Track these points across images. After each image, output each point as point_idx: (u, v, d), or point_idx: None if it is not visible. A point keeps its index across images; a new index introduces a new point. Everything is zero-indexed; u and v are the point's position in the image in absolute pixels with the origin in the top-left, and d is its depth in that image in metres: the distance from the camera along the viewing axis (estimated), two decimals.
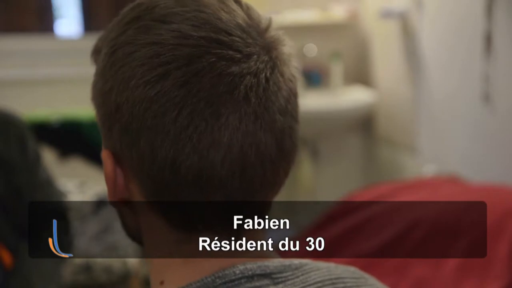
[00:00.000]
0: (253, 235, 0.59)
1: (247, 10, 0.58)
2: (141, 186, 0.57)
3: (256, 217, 0.59)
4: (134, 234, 0.63)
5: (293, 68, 0.59)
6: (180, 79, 0.53)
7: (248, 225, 0.58)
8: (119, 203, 0.60)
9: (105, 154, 0.58)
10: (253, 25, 0.57)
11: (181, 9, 0.56)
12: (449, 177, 2.24)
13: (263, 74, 0.55)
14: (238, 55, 0.54)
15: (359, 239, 1.90)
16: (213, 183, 0.54)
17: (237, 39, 0.55)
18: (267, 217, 0.61)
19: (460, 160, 2.45)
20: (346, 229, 1.96)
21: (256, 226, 0.59)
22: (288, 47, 0.59)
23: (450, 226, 1.80)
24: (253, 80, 0.54)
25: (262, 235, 0.61)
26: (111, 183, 0.59)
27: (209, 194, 0.55)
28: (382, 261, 1.80)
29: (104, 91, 0.58)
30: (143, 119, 0.54)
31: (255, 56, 0.55)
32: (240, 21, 0.56)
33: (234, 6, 0.58)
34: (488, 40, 2.16)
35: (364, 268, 1.87)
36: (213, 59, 0.54)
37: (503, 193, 1.93)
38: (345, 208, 2.09)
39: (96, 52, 0.61)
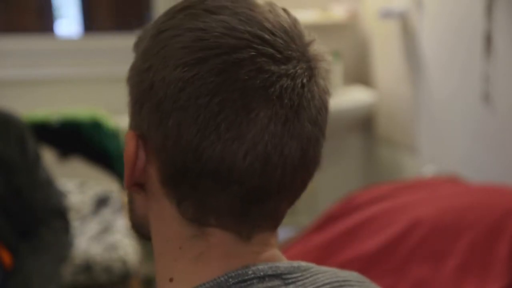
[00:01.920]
0: (266, 238, 0.60)
1: (293, 20, 0.60)
2: (161, 169, 0.57)
3: (269, 222, 0.59)
4: (141, 226, 0.63)
5: (329, 84, 0.59)
6: (218, 66, 0.54)
7: (260, 228, 0.58)
8: (134, 188, 0.60)
9: (129, 135, 0.59)
10: (297, 34, 0.58)
11: (232, 4, 0.57)
12: (449, 177, 2.24)
13: (300, 80, 0.55)
14: (279, 56, 0.55)
15: (359, 239, 1.90)
16: (232, 176, 0.54)
17: (280, 40, 0.56)
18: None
19: (460, 160, 2.45)
20: (346, 229, 1.96)
21: (268, 231, 0.60)
22: (327, 64, 0.60)
23: (450, 226, 1.80)
24: (290, 83, 0.55)
25: (274, 239, 0.61)
26: (131, 164, 0.58)
27: (227, 186, 0.55)
28: (382, 261, 1.80)
29: (142, 69, 0.58)
30: (175, 99, 0.54)
31: (294, 61, 0.56)
32: (286, 26, 0.57)
33: (282, 13, 0.59)
34: (488, 40, 2.16)
35: (364, 268, 1.87)
36: (254, 53, 0.54)
37: (503, 193, 1.93)
38: (345, 208, 2.09)
39: (138, 41, 0.61)
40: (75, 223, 2.30)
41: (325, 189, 3.18)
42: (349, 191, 2.39)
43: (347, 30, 3.23)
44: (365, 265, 1.78)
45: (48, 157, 2.28)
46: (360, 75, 3.26)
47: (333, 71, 2.97)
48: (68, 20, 3.38)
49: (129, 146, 0.58)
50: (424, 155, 2.73)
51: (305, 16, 3.06)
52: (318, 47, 0.59)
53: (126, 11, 3.34)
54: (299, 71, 0.56)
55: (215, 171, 0.54)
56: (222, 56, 0.54)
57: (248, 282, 0.56)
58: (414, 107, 2.78)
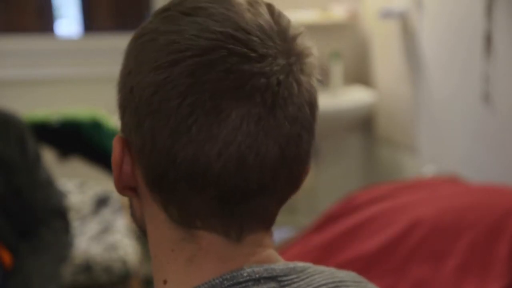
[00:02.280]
0: (259, 239, 0.59)
1: (277, 16, 0.58)
2: (144, 173, 0.57)
3: (258, 223, 0.58)
4: (141, 226, 0.63)
5: (314, 79, 0.58)
6: (189, 67, 0.53)
7: (251, 229, 0.58)
8: (127, 192, 0.60)
9: (116, 139, 0.59)
10: (278, 30, 0.57)
11: (208, 5, 0.56)
12: (449, 177, 2.24)
13: (275, 77, 0.54)
14: (253, 54, 0.54)
15: (359, 239, 1.90)
16: (207, 178, 0.54)
17: (255, 38, 0.55)
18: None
19: (460, 160, 2.45)
20: (346, 229, 1.96)
21: (260, 232, 0.59)
22: (313, 59, 0.59)
23: (450, 226, 1.80)
24: (263, 81, 0.54)
25: (268, 239, 0.60)
26: (117, 168, 0.59)
27: (203, 188, 0.54)
28: (382, 261, 1.80)
29: (124, 74, 0.59)
30: (149, 103, 0.54)
31: (270, 58, 0.55)
32: (263, 23, 0.56)
33: (263, 10, 0.58)
34: (488, 40, 2.16)
35: (364, 268, 1.87)
36: (225, 53, 0.53)
37: (503, 193, 1.93)
38: (345, 208, 2.09)
39: (127, 45, 0.61)
40: (75, 223, 2.30)
41: (325, 189, 3.18)
42: (349, 191, 2.39)
43: (347, 30, 3.23)
44: (365, 265, 1.78)
45: (48, 157, 2.27)
46: (360, 75, 3.26)
47: (333, 71, 2.96)
48: (68, 20, 3.38)
49: (115, 150, 0.59)
50: (424, 155, 2.73)
51: (305, 16, 3.06)
52: (304, 41, 0.58)
53: (126, 11, 3.34)
54: (274, 68, 0.54)
55: (189, 173, 0.54)
56: (193, 58, 0.53)
57: (243, 285, 0.56)
58: (414, 107, 2.78)
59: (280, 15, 0.59)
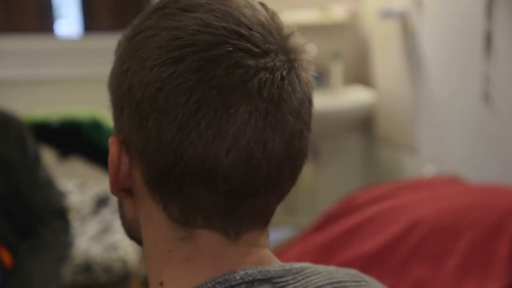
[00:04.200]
0: (254, 238, 0.59)
1: (271, 14, 0.58)
2: (144, 172, 0.56)
3: (257, 220, 0.58)
4: (133, 231, 0.63)
5: (310, 75, 0.59)
6: (195, 63, 0.53)
7: (249, 227, 0.57)
8: (121, 193, 0.60)
9: (111, 141, 0.58)
10: (275, 27, 0.57)
11: (206, 1, 0.56)
12: (449, 177, 2.24)
13: (279, 72, 0.55)
14: (256, 50, 0.54)
15: (359, 239, 1.90)
16: (215, 174, 0.53)
17: (257, 34, 0.55)
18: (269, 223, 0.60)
19: (460, 160, 2.45)
20: (346, 229, 1.96)
21: (257, 230, 0.59)
22: (308, 56, 0.59)
23: (450, 226, 1.80)
24: (268, 76, 0.54)
25: (264, 238, 0.60)
26: (114, 169, 0.58)
27: (211, 185, 0.54)
28: (382, 261, 1.80)
29: (120, 73, 0.58)
30: (154, 100, 0.54)
31: (273, 54, 0.55)
32: (263, 19, 0.57)
33: (259, 7, 0.58)
34: (488, 40, 2.16)
35: (364, 268, 1.87)
36: (231, 49, 0.53)
37: (503, 193, 1.93)
38: (345, 208, 2.09)
39: (117, 46, 0.61)
40: (75, 223, 2.30)
41: (325, 189, 3.18)
42: (349, 191, 2.39)
43: (347, 30, 3.23)
44: (365, 265, 1.78)
45: (48, 157, 2.28)
46: (360, 75, 3.26)
47: (333, 71, 2.96)
48: (68, 20, 3.38)
49: (112, 152, 0.58)
50: (424, 155, 2.73)
51: (305, 16, 3.06)
52: (298, 39, 0.58)
53: (126, 11, 3.34)
54: (278, 64, 0.55)
55: (198, 170, 0.53)
56: (198, 53, 0.53)
57: None
58: (414, 107, 2.78)
59: (273, 12, 0.59)
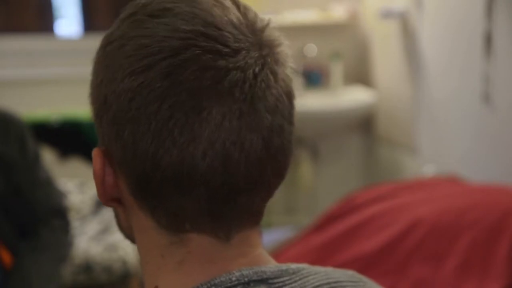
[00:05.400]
0: (247, 238, 0.58)
1: (243, 9, 0.58)
2: (127, 182, 0.57)
3: (247, 220, 0.58)
4: (130, 235, 0.63)
5: (288, 68, 0.58)
6: (164, 70, 0.52)
7: (239, 227, 0.57)
8: (112, 203, 0.60)
9: (95, 152, 0.58)
10: (246, 23, 0.56)
11: (174, 5, 0.56)
12: (449, 177, 2.24)
13: (251, 70, 0.54)
14: (226, 49, 0.53)
15: (359, 239, 1.90)
16: (194, 179, 0.53)
17: (226, 33, 0.54)
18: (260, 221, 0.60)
19: (460, 160, 2.45)
20: (346, 229, 1.96)
21: (248, 230, 0.58)
22: (284, 48, 0.58)
23: (450, 226, 1.80)
24: (240, 75, 0.53)
25: (257, 238, 0.59)
26: (99, 181, 0.58)
27: (191, 190, 0.54)
28: (382, 261, 1.80)
29: (96, 84, 0.58)
30: (127, 110, 0.54)
31: (244, 52, 0.54)
32: (232, 18, 0.56)
33: (229, 4, 0.57)
34: (488, 40, 2.16)
35: (364, 268, 1.86)
36: (199, 52, 0.53)
37: (503, 193, 1.93)
38: (345, 208, 2.09)
39: (95, 55, 0.61)
40: (75, 223, 2.30)
41: (325, 189, 3.18)
42: (349, 191, 2.39)
43: (347, 30, 3.23)
44: (365, 265, 1.78)
45: (48, 157, 2.28)
46: (360, 75, 3.27)
47: (333, 71, 2.96)
48: (68, 20, 3.38)
49: (95, 163, 0.58)
50: (424, 155, 2.73)
51: (305, 16, 3.07)
52: (272, 32, 0.57)
53: None
54: (249, 61, 0.54)
55: (176, 176, 0.53)
56: (166, 59, 0.53)
57: None
58: (414, 107, 2.78)
59: (246, 8, 0.58)
